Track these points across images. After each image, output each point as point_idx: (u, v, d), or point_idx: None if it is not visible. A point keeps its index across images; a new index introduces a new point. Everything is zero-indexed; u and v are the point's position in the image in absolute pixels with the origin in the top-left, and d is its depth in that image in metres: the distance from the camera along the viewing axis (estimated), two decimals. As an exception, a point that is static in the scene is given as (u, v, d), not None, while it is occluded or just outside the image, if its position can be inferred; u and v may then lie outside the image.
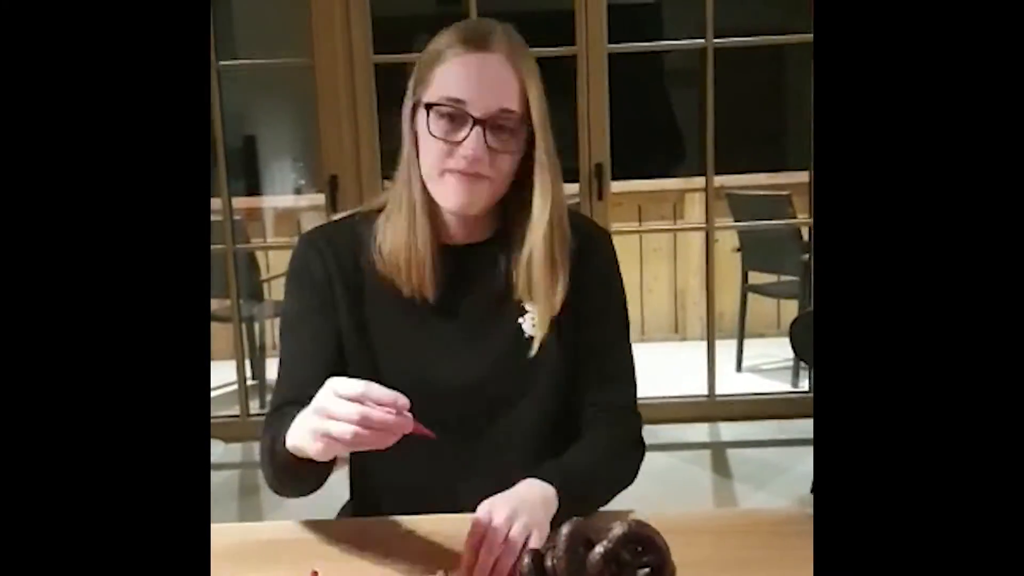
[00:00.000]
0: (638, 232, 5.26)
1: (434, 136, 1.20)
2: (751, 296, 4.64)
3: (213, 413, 3.93)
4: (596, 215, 3.73)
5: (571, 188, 3.82)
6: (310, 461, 1.06)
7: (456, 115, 1.18)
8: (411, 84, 1.25)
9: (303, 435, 1.02)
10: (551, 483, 1.12)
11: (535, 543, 1.02)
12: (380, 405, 0.95)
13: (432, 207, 1.27)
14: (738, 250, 4.63)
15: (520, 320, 1.29)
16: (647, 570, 0.93)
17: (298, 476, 1.14)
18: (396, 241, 1.27)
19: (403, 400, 0.96)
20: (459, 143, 1.19)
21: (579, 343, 1.30)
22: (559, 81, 3.83)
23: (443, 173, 1.21)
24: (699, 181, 4.60)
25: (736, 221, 4.57)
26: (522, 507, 1.06)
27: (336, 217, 1.38)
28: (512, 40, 1.22)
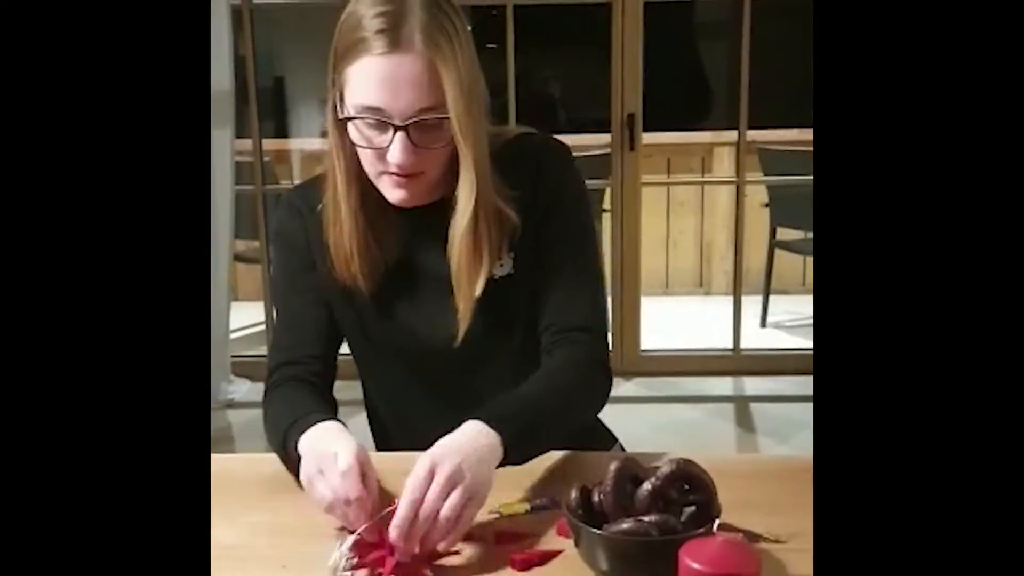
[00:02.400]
0: (666, 184, 5.23)
1: (360, 146, 1.18)
2: (777, 252, 4.62)
3: (240, 352, 3.97)
4: (627, 166, 3.72)
5: (603, 139, 3.81)
6: None
7: (376, 123, 1.15)
8: (329, 69, 1.19)
9: (303, 459, 1.07)
10: (490, 425, 1.07)
11: (472, 508, 0.99)
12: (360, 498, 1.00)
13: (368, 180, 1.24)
14: (766, 205, 4.61)
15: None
16: (693, 508, 0.95)
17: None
18: (326, 220, 1.26)
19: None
20: (386, 149, 1.16)
21: (538, 271, 1.28)
22: (593, 30, 3.82)
23: (379, 175, 1.20)
24: (728, 135, 4.57)
25: (765, 176, 4.54)
26: (467, 463, 1.00)
27: (319, 172, 1.34)
28: (429, 16, 1.13)
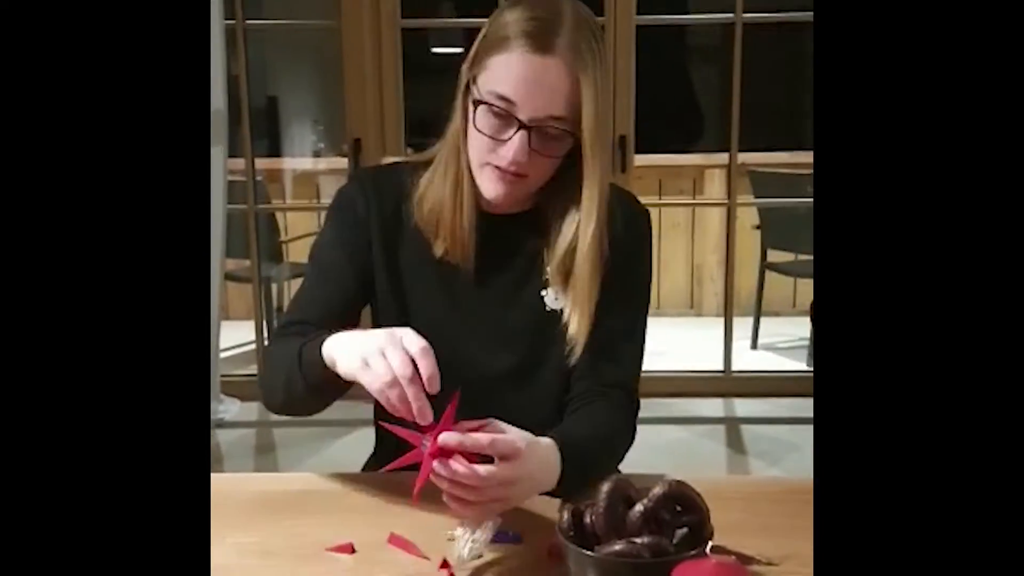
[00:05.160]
0: (658, 206, 5.23)
1: (479, 131, 1.20)
2: (768, 274, 4.63)
3: (230, 372, 3.95)
4: (619, 187, 3.73)
5: (594, 159, 3.82)
6: (333, 377, 1.09)
7: (504, 115, 1.18)
8: (471, 55, 1.23)
9: (346, 349, 1.06)
10: (561, 456, 1.11)
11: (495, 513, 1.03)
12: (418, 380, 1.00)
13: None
14: (757, 227, 4.62)
15: (543, 293, 1.29)
16: (686, 530, 0.94)
17: (316, 386, 1.15)
18: (436, 201, 1.28)
19: (436, 386, 1.00)
20: (503, 142, 1.19)
21: (598, 318, 1.29)
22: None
23: (484, 165, 1.22)
24: (719, 157, 4.57)
25: (756, 198, 4.55)
26: (538, 474, 1.07)
27: (388, 161, 1.39)
28: (578, 33, 1.17)
